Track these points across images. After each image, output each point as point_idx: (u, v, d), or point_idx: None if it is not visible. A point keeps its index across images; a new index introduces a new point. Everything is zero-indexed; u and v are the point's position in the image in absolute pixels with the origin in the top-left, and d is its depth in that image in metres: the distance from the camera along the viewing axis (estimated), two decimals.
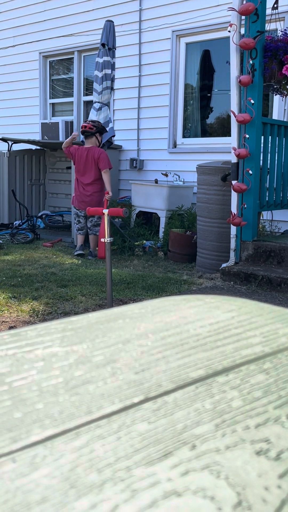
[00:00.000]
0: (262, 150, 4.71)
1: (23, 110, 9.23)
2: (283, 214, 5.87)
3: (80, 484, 0.34)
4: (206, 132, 7.24)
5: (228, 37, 4.74)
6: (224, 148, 6.27)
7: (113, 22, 6.70)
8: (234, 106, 4.51)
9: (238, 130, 4.53)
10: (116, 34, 6.85)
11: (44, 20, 8.68)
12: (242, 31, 4.53)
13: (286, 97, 5.10)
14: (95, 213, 3.59)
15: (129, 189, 7.10)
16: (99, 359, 0.54)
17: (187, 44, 7.05)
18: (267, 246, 4.66)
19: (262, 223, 5.69)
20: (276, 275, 4.28)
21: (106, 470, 0.36)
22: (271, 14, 4.77)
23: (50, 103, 9.04)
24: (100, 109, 6.62)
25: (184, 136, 7.26)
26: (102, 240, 3.34)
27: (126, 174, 7.73)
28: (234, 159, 4.57)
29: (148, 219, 6.79)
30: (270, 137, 4.79)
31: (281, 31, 4.75)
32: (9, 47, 9.35)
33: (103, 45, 6.60)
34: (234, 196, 4.63)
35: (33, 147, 8.30)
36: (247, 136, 4.49)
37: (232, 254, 4.74)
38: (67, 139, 5.99)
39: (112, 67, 6.67)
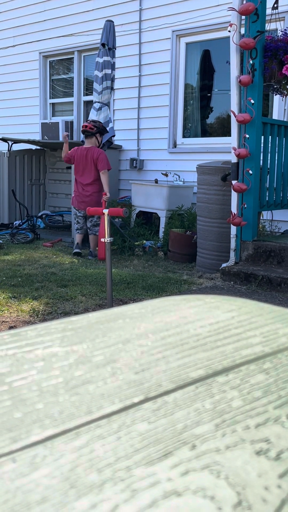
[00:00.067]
0: (262, 150, 4.71)
1: (23, 110, 9.23)
2: (283, 214, 5.87)
3: (80, 484, 0.34)
4: (206, 132, 7.24)
5: (228, 37, 4.75)
6: (224, 148, 6.27)
7: (113, 22, 6.70)
8: (234, 106, 4.51)
9: (238, 130, 4.53)
10: (116, 34, 6.85)
11: (44, 20, 8.68)
12: (242, 31, 4.53)
13: (286, 97, 5.10)
14: (95, 213, 3.59)
15: (129, 189, 7.10)
16: (99, 359, 0.54)
17: (187, 44, 7.05)
18: (267, 246, 4.66)
19: (262, 223, 5.69)
20: (276, 275, 4.28)
21: (106, 470, 0.36)
22: (271, 14, 4.77)
23: (50, 103, 9.04)
24: (100, 109, 6.62)
25: (184, 136, 7.26)
26: (102, 240, 3.34)
27: (126, 174, 7.73)
28: (234, 159, 4.57)
29: (148, 219, 6.79)
30: (270, 137, 4.79)
31: (281, 31, 4.75)
32: (9, 47, 9.35)
33: (103, 45, 6.60)
34: (234, 196, 4.63)
35: (33, 147, 8.30)
36: (247, 136, 4.49)
37: (232, 254, 4.74)
38: (63, 148, 6.02)
39: (112, 67, 6.67)
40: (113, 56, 6.68)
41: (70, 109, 8.73)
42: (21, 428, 0.41)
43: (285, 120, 5.95)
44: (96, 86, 6.70)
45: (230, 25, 4.39)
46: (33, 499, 0.33)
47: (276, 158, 4.94)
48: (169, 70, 7.13)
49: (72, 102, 8.67)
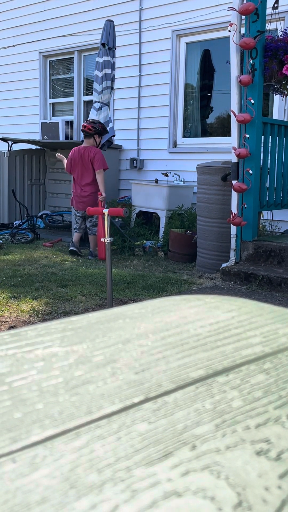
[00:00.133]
0: (262, 150, 4.71)
1: (23, 110, 9.23)
2: (283, 214, 5.87)
3: (80, 484, 0.34)
4: (206, 132, 7.24)
5: (228, 37, 4.74)
6: (224, 148, 6.27)
7: (113, 21, 6.70)
8: (234, 106, 4.51)
9: (238, 130, 4.53)
10: (116, 33, 6.85)
11: (44, 20, 8.68)
12: (242, 30, 4.53)
13: (286, 96, 5.10)
14: (96, 213, 3.59)
15: (129, 189, 7.10)
16: (99, 359, 0.54)
17: (187, 43, 7.05)
18: (267, 246, 4.66)
19: (262, 223, 5.69)
20: (276, 275, 4.28)
21: (106, 470, 0.36)
22: (271, 14, 4.77)
23: (50, 103, 9.04)
24: (100, 108, 6.62)
25: (184, 136, 7.26)
26: (102, 240, 3.34)
27: (126, 174, 7.74)
28: (234, 159, 4.57)
29: (148, 219, 6.79)
30: (270, 137, 4.79)
31: (281, 31, 4.75)
32: (9, 47, 9.35)
33: (103, 44, 6.60)
34: (234, 196, 4.63)
35: (33, 147, 8.30)
36: (247, 136, 4.49)
37: (232, 254, 4.74)
38: (64, 163, 6.07)
39: (112, 66, 6.68)
40: (113, 56, 6.68)
41: (70, 109, 8.73)
42: (21, 428, 0.41)
43: (285, 120, 5.95)
44: (96, 86, 6.70)
45: (230, 25, 4.39)
46: (33, 499, 0.33)
47: (276, 158, 4.94)
48: (169, 70, 7.13)
49: (72, 102, 8.67)
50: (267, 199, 4.86)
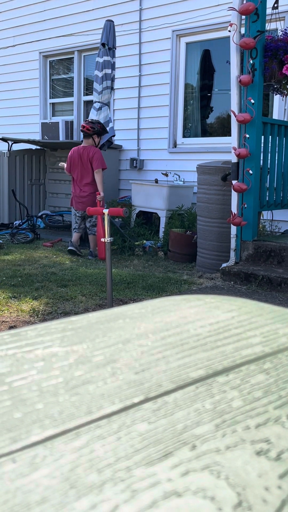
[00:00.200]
0: (262, 150, 4.71)
1: (23, 110, 9.23)
2: (283, 214, 5.87)
3: (80, 484, 0.34)
4: (206, 132, 7.24)
5: (228, 37, 4.74)
6: (224, 148, 6.28)
7: (113, 21, 6.70)
8: (234, 106, 4.51)
9: (238, 130, 4.53)
10: (116, 33, 6.85)
11: (44, 20, 8.68)
12: (242, 30, 4.53)
13: (286, 96, 5.10)
14: (96, 213, 3.59)
15: (129, 189, 7.10)
16: (99, 359, 0.54)
17: (187, 43, 7.05)
18: (267, 246, 4.66)
19: (262, 223, 5.69)
20: (276, 275, 4.28)
21: (106, 470, 0.36)
22: (271, 14, 4.77)
23: (50, 103, 9.04)
24: (100, 108, 6.62)
25: (184, 136, 7.26)
26: (102, 240, 3.34)
27: (126, 174, 7.74)
28: (234, 159, 4.56)
29: (148, 219, 6.79)
30: (270, 136, 4.79)
31: (281, 31, 4.75)
32: (9, 47, 9.35)
33: (103, 44, 6.60)
34: (234, 196, 4.62)
35: (33, 147, 8.30)
36: (247, 135, 4.49)
37: (232, 254, 4.74)
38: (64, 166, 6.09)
39: (112, 66, 6.68)
40: (113, 56, 6.68)
41: (70, 109, 8.73)
42: (21, 428, 0.41)
43: (285, 120, 5.95)
44: (96, 86, 6.70)
45: (230, 25, 4.39)
46: (33, 499, 0.33)
47: (276, 158, 4.94)
48: (169, 70, 7.13)
49: (72, 102, 8.67)
50: (267, 199, 4.86)
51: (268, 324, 0.68)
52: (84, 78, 8.55)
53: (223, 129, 6.98)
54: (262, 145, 4.70)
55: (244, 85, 4.42)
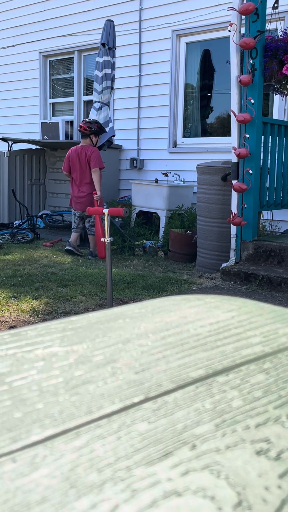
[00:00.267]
0: (262, 150, 4.71)
1: (23, 110, 9.23)
2: (283, 214, 5.87)
3: (80, 484, 0.34)
4: (206, 131, 7.24)
5: (228, 37, 4.74)
6: (224, 148, 6.28)
7: (113, 21, 6.70)
8: (234, 106, 4.51)
9: (238, 130, 4.53)
10: (116, 33, 6.85)
11: (44, 20, 8.68)
12: (242, 30, 4.53)
13: (286, 96, 5.10)
14: (96, 213, 3.59)
15: (129, 189, 7.10)
16: (99, 359, 0.54)
17: (187, 43, 7.05)
18: (267, 246, 4.66)
19: (262, 222, 5.69)
20: (276, 275, 4.28)
21: (106, 470, 0.36)
22: (271, 14, 4.77)
23: (50, 103, 9.04)
24: (100, 108, 6.62)
25: (184, 136, 7.26)
26: (102, 240, 3.34)
27: (126, 173, 7.74)
28: (234, 159, 4.56)
29: (148, 218, 6.79)
30: (270, 136, 4.79)
31: (281, 31, 4.75)
32: (9, 46, 9.35)
33: (103, 44, 6.60)
34: (234, 195, 4.63)
35: (33, 146, 8.30)
36: (247, 135, 4.49)
37: (232, 253, 4.74)
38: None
39: (112, 66, 6.67)
40: (113, 56, 6.68)
41: (70, 108, 8.73)
42: (21, 428, 0.41)
43: (285, 120, 5.95)
44: (96, 85, 6.70)
45: (230, 25, 4.39)
46: (33, 499, 0.33)
47: (276, 158, 4.94)
48: (169, 69, 7.13)
49: (72, 102, 8.67)
50: (267, 199, 4.86)
51: (268, 324, 0.68)
52: (84, 78, 8.55)
53: (223, 129, 6.98)
54: (262, 145, 4.70)
55: (244, 85, 4.42)
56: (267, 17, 4.59)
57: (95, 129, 5.90)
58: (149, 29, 7.27)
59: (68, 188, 7.83)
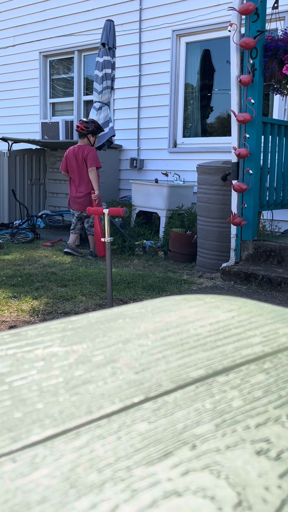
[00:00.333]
0: (262, 150, 4.71)
1: (23, 110, 9.23)
2: (283, 214, 5.87)
3: (80, 484, 0.34)
4: (206, 131, 7.24)
5: (228, 37, 4.74)
6: (224, 148, 6.28)
7: (113, 21, 6.70)
8: (234, 106, 4.51)
9: (238, 130, 4.53)
10: (116, 33, 6.85)
11: (44, 20, 8.68)
12: (242, 30, 4.53)
13: (286, 96, 5.10)
14: (96, 213, 3.59)
15: (129, 189, 7.10)
16: (99, 359, 0.54)
17: (187, 43, 7.05)
18: (267, 246, 4.66)
19: (262, 222, 5.69)
20: (276, 275, 4.28)
21: (106, 470, 0.36)
22: (272, 14, 4.77)
23: (50, 103, 9.04)
24: (100, 108, 6.62)
25: (184, 136, 7.26)
26: (102, 240, 3.34)
27: (126, 173, 7.74)
28: (234, 159, 4.56)
29: (148, 218, 6.79)
30: (270, 136, 4.79)
31: (282, 31, 4.75)
32: (9, 46, 9.35)
33: (103, 44, 6.60)
34: (234, 195, 4.62)
35: (33, 146, 8.30)
36: (247, 135, 4.49)
37: (232, 253, 4.73)
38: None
39: (112, 66, 6.67)
40: (113, 56, 6.68)
41: (70, 108, 8.73)
42: (21, 428, 0.41)
43: (285, 119, 5.95)
44: (96, 85, 6.70)
45: (230, 25, 4.39)
46: (33, 499, 0.33)
47: (276, 158, 4.94)
48: (169, 69, 7.13)
49: (72, 102, 8.67)
50: (267, 199, 4.86)
51: (268, 324, 0.68)
52: (84, 78, 8.55)
53: (223, 129, 6.98)
54: (262, 145, 4.70)
55: (244, 85, 4.41)
56: (267, 17, 4.59)
57: (92, 129, 5.90)
58: (149, 29, 7.27)
59: (68, 188, 7.83)
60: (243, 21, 4.45)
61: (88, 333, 0.62)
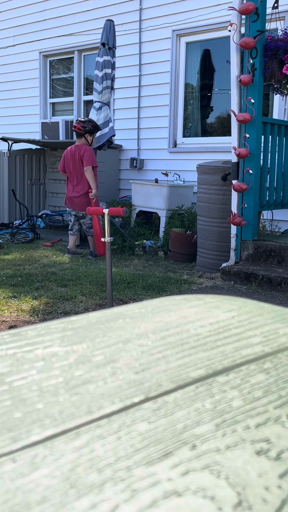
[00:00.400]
0: (262, 150, 4.71)
1: (23, 110, 9.23)
2: (283, 214, 5.87)
3: (80, 484, 0.34)
4: (206, 131, 7.24)
5: (228, 37, 4.74)
6: (224, 148, 6.27)
7: (113, 21, 6.70)
8: (234, 106, 4.51)
9: (238, 130, 4.53)
10: (116, 33, 6.85)
11: (44, 20, 8.68)
12: (243, 30, 4.53)
13: (286, 96, 5.10)
14: (96, 212, 3.59)
15: (129, 189, 7.10)
16: (99, 359, 0.54)
17: (187, 43, 7.05)
18: (267, 246, 4.66)
19: (262, 222, 5.69)
20: (276, 275, 4.28)
21: (106, 470, 0.36)
22: (272, 14, 4.76)
23: (50, 103, 9.04)
24: (100, 108, 6.62)
25: (184, 136, 7.25)
26: (102, 239, 3.34)
27: (126, 173, 7.74)
28: (234, 159, 4.56)
29: (148, 218, 6.79)
30: (270, 136, 4.79)
31: (282, 31, 4.75)
32: (9, 46, 9.35)
33: (103, 44, 6.60)
34: (234, 195, 4.62)
35: (33, 146, 8.30)
36: (247, 135, 4.49)
37: (232, 253, 4.73)
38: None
39: (112, 66, 6.67)
40: (113, 56, 6.68)
41: (70, 108, 8.73)
42: (21, 428, 0.41)
43: (285, 119, 5.95)
44: (96, 85, 6.70)
45: (230, 25, 4.39)
46: (33, 499, 0.33)
47: (276, 158, 4.94)
48: (169, 69, 7.13)
49: (72, 102, 8.67)
50: (267, 198, 4.86)
51: (268, 324, 0.68)
52: (84, 77, 8.55)
53: (223, 128, 6.97)
54: (262, 144, 4.70)
55: (244, 84, 4.41)
56: (267, 17, 4.59)
57: (89, 128, 5.90)
58: (149, 29, 7.27)
59: None
60: (243, 21, 4.45)
61: (88, 333, 0.62)
